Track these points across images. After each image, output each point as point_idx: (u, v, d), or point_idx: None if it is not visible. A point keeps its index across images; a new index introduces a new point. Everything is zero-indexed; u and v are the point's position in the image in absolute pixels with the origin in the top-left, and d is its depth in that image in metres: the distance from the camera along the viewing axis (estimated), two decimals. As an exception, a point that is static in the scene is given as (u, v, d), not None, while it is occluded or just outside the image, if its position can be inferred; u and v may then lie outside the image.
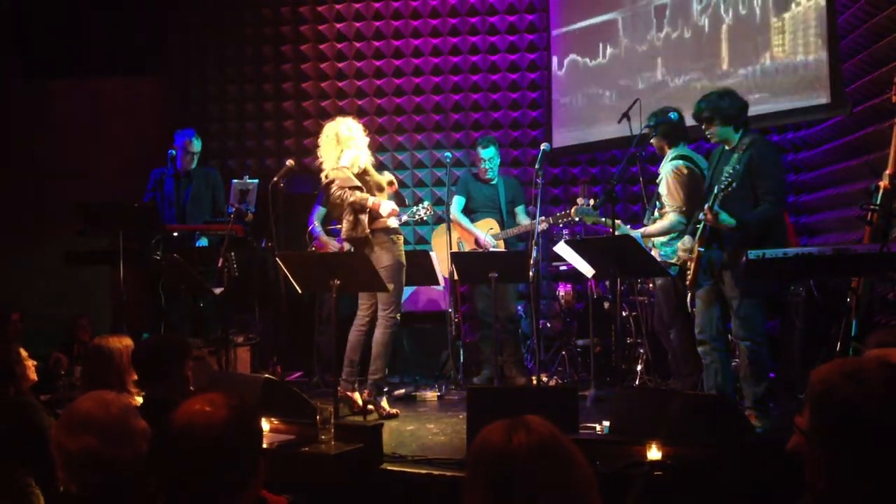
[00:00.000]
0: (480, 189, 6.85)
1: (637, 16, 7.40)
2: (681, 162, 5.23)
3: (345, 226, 5.40)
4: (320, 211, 6.95)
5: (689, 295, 4.96)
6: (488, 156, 6.79)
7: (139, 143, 8.32)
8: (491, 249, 6.57)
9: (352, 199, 5.28)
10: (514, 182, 7.10)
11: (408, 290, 6.37)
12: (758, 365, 4.61)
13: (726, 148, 4.76)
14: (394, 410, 5.38)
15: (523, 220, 6.74)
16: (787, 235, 4.84)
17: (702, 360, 4.81)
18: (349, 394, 5.33)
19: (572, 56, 7.95)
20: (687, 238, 4.92)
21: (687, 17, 6.97)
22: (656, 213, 5.57)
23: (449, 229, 6.56)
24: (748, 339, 4.61)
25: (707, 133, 4.78)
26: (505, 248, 6.67)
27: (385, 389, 5.58)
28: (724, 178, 4.43)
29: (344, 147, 5.39)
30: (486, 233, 6.65)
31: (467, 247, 6.69)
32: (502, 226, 6.72)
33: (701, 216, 4.54)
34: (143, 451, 2.27)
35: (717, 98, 4.73)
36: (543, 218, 6.24)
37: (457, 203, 6.79)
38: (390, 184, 5.59)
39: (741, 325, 4.63)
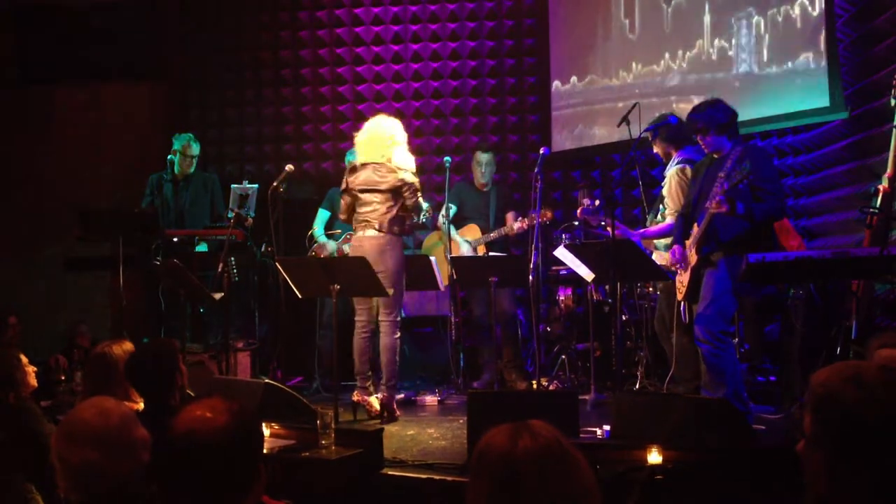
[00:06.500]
0: (473, 196, 6.88)
1: (645, 34, 7.40)
2: (685, 165, 5.24)
3: (388, 222, 5.39)
4: (324, 214, 6.95)
5: (685, 305, 4.96)
6: (486, 160, 6.82)
7: (139, 148, 8.33)
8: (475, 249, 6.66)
9: (422, 207, 5.50)
10: (506, 190, 7.15)
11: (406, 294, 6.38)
12: (717, 369, 4.59)
13: (715, 157, 4.77)
14: (398, 413, 5.43)
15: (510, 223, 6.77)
16: (776, 241, 4.83)
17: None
18: (367, 398, 5.37)
19: (573, 74, 7.96)
20: (677, 247, 4.91)
21: (692, 26, 6.98)
22: (659, 217, 5.58)
23: (449, 235, 6.57)
24: (708, 343, 4.59)
25: (701, 143, 4.80)
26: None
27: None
28: (735, 174, 4.41)
29: (396, 145, 5.46)
30: (470, 240, 6.71)
31: (454, 254, 6.68)
32: (486, 233, 6.74)
33: (710, 206, 4.49)
34: (145, 460, 2.27)
35: (710, 108, 4.74)
36: (521, 219, 6.42)
37: (445, 212, 6.80)
38: None
39: (702, 327, 4.62)
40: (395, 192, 5.41)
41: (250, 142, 8.55)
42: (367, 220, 5.43)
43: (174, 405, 3.39)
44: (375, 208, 5.42)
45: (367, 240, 5.40)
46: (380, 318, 5.46)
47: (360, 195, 5.47)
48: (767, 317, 6.22)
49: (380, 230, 5.38)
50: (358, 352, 5.49)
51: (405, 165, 5.47)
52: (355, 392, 5.46)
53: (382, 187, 5.41)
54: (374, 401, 5.37)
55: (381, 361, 5.43)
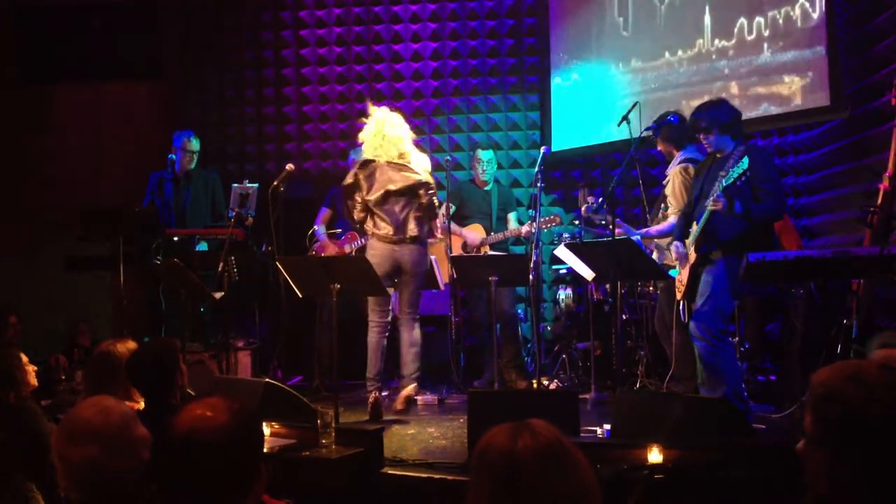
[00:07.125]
0: (474, 195, 6.87)
1: (642, 31, 7.40)
2: (688, 164, 5.24)
3: (413, 225, 5.42)
4: (326, 213, 6.95)
5: (683, 304, 4.94)
6: (487, 157, 6.83)
7: (139, 148, 8.33)
8: (479, 246, 6.67)
9: (437, 209, 5.60)
10: (507, 190, 7.16)
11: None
12: (714, 368, 4.58)
13: (718, 156, 4.76)
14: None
15: (514, 226, 6.76)
16: (776, 242, 4.82)
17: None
18: (377, 395, 5.34)
19: (573, 73, 7.96)
20: (677, 244, 4.90)
21: (692, 25, 6.97)
22: (660, 216, 5.59)
23: (450, 233, 6.57)
24: (704, 340, 4.58)
25: (704, 143, 4.79)
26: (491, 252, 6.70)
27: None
28: (732, 173, 4.39)
29: (410, 147, 5.48)
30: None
31: (455, 252, 6.69)
32: (489, 232, 6.74)
33: (707, 204, 4.48)
34: (145, 459, 2.27)
35: (714, 108, 4.73)
36: (529, 222, 6.40)
37: (445, 210, 6.80)
38: None
39: (699, 325, 4.61)
40: (413, 195, 5.41)
41: (251, 141, 8.55)
42: (391, 231, 5.39)
43: (174, 404, 3.39)
44: (399, 217, 5.40)
45: (406, 249, 5.42)
46: (402, 315, 5.53)
47: (376, 204, 5.41)
48: (768, 316, 6.22)
49: (412, 241, 5.42)
50: (377, 350, 5.48)
51: (425, 165, 5.49)
52: (372, 392, 5.34)
53: (402, 191, 5.38)
54: (402, 395, 5.41)
55: (407, 355, 5.49)
